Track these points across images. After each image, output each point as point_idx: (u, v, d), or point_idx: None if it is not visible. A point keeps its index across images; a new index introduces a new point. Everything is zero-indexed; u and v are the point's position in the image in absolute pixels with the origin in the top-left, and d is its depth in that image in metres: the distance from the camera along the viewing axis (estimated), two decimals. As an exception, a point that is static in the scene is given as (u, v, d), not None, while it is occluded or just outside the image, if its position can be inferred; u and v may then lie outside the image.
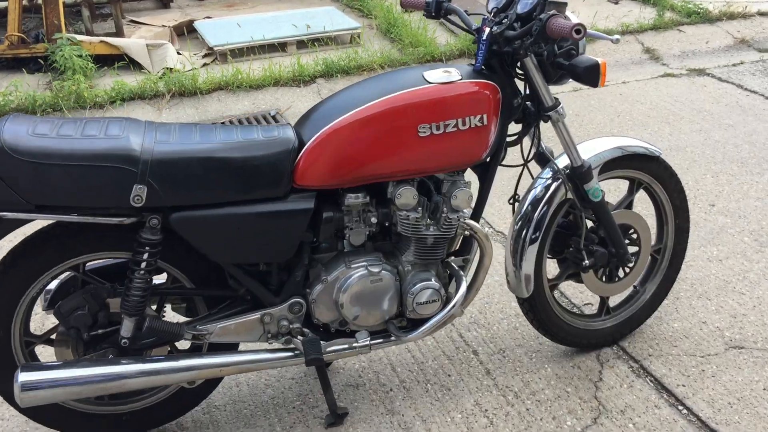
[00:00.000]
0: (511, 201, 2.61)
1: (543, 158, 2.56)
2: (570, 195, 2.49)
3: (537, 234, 2.50)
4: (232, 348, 2.35)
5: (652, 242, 2.79)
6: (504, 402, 2.53)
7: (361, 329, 2.35)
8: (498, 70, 2.30)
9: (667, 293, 2.89)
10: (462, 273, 2.38)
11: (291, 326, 2.29)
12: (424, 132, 2.17)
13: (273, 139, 2.16)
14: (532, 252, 2.49)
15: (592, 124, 4.85)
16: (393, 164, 2.19)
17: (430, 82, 2.20)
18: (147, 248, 2.09)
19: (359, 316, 2.31)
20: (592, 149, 2.55)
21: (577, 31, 2.00)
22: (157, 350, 2.29)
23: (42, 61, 5.66)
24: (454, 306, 2.32)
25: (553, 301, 2.66)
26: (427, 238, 2.30)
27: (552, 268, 2.71)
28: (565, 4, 2.15)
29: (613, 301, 2.88)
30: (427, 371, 2.68)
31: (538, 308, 2.63)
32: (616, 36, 2.20)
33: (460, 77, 2.23)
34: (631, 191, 2.72)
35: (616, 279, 2.73)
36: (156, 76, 5.46)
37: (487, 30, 2.26)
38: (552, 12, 2.11)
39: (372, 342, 2.34)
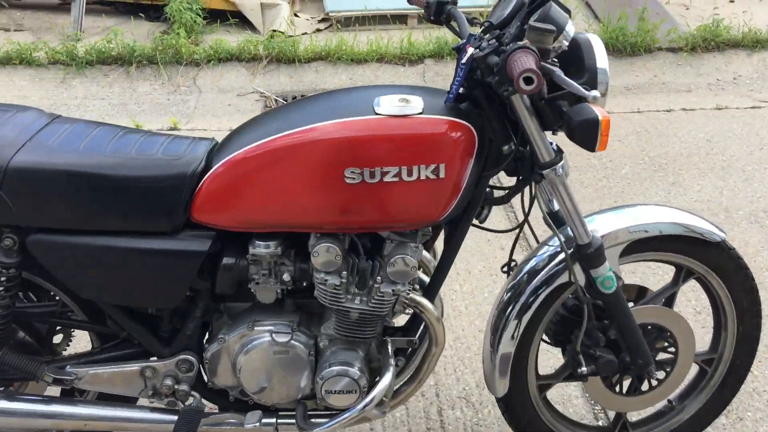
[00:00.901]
0: (505, 269, 2.02)
1: (557, 219, 1.94)
2: (573, 278, 1.86)
3: (525, 314, 1.90)
4: (118, 398, 1.97)
5: (698, 350, 2.07)
6: None
7: (267, 404, 1.90)
8: (484, 105, 1.70)
9: (716, 417, 2.17)
10: (392, 361, 1.84)
11: (176, 387, 1.87)
12: (353, 179, 1.64)
13: (173, 158, 1.73)
14: (513, 332, 1.91)
15: (723, 155, 3.95)
16: (310, 214, 1.69)
17: (377, 113, 1.66)
18: (1, 270, 1.75)
19: (262, 391, 1.85)
20: (616, 221, 1.89)
21: (526, 80, 1.38)
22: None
23: (163, 10, 5.55)
24: (367, 405, 1.79)
25: (542, 403, 2.05)
26: (350, 311, 1.78)
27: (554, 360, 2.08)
28: (553, 31, 1.50)
29: (635, 414, 2.21)
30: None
31: (518, 410, 2.03)
32: (594, 93, 1.52)
33: (421, 111, 1.67)
34: (677, 281, 2.02)
35: (637, 392, 2.06)
36: (256, 38, 5.17)
37: (470, 51, 1.66)
38: (520, 44, 1.49)
39: (263, 425, 1.87)
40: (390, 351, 1.85)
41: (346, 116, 1.67)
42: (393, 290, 1.75)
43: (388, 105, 1.68)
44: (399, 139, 1.64)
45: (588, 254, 1.80)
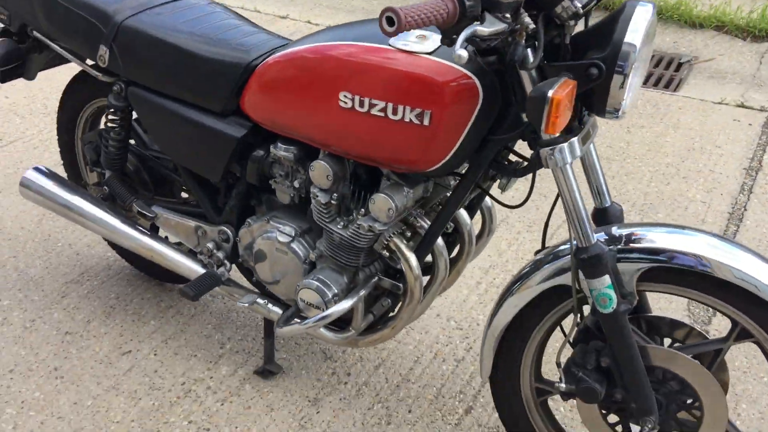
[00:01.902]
0: (537, 253, 1.82)
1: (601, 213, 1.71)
2: (573, 282, 1.62)
3: (520, 303, 1.72)
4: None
5: (730, 417, 1.64)
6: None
7: (275, 294, 2.03)
8: (504, 63, 1.54)
9: None
10: (363, 292, 1.80)
11: (215, 252, 2.10)
12: (345, 103, 1.64)
13: (241, 49, 1.89)
14: (508, 310, 1.75)
15: None
16: (314, 129, 1.73)
17: (389, 43, 1.62)
18: (111, 110, 2.13)
19: (265, 279, 1.99)
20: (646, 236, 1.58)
21: (388, 21, 1.21)
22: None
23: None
24: (321, 319, 1.81)
25: (534, 406, 1.84)
26: (333, 234, 1.80)
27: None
28: None
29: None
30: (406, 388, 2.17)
31: (503, 400, 1.86)
32: (461, 53, 1.23)
33: (431, 51, 1.57)
34: (728, 337, 1.62)
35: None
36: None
37: None
38: None
39: (253, 305, 2.01)
40: (366, 284, 1.84)
41: (363, 41, 1.65)
42: (369, 226, 1.72)
43: (405, 38, 1.61)
44: (390, 74, 1.57)
45: (582, 260, 1.55)
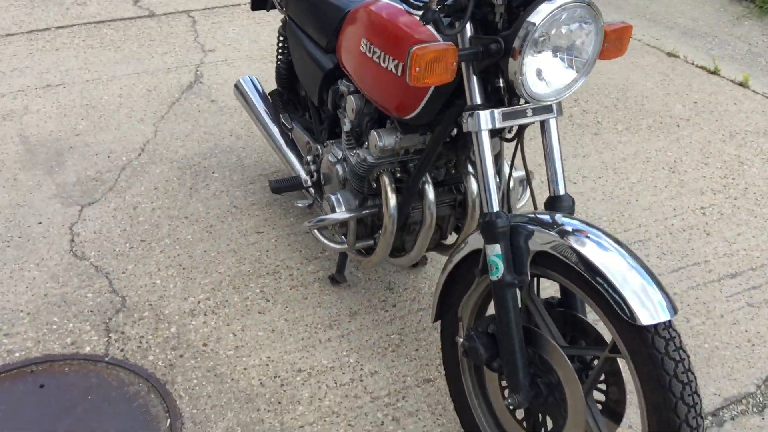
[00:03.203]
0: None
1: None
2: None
3: (460, 254, 1.91)
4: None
5: None
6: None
7: None
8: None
9: None
10: (356, 211, 2.25)
11: (311, 163, 2.63)
12: (363, 49, 2.08)
13: (354, 1, 2.38)
14: (448, 266, 1.95)
15: None
16: (350, 69, 2.20)
17: (410, 8, 1.95)
18: (280, 37, 2.82)
19: (324, 191, 2.50)
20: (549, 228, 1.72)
21: None
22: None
23: None
24: (319, 221, 2.29)
25: (468, 368, 2.07)
26: (348, 160, 2.24)
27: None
28: None
29: None
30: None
31: (446, 353, 2.12)
32: None
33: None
34: (607, 347, 1.70)
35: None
36: None
37: None
38: None
39: (307, 206, 2.56)
40: (363, 209, 2.25)
41: (402, 4, 1.99)
42: (364, 157, 2.13)
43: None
44: (390, 29, 1.97)
45: (481, 224, 1.77)
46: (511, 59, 1.65)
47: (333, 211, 2.27)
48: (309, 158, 2.64)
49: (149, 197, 3.14)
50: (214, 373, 2.35)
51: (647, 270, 1.62)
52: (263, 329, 2.51)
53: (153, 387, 2.31)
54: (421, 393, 2.31)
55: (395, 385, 2.33)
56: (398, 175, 2.20)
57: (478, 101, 1.75)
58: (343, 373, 2.36)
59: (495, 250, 1.73)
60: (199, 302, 2.62)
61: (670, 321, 1.58)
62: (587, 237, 1.67)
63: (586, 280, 1.61)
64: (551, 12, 1.62)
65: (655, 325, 1.56)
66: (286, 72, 2.85)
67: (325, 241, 2.34)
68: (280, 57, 2.85)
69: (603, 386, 1.79)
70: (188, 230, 2.96)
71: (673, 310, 1.57)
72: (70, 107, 3.78)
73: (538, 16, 1.62)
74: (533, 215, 1.78)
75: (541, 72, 1.71)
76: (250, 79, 3.09)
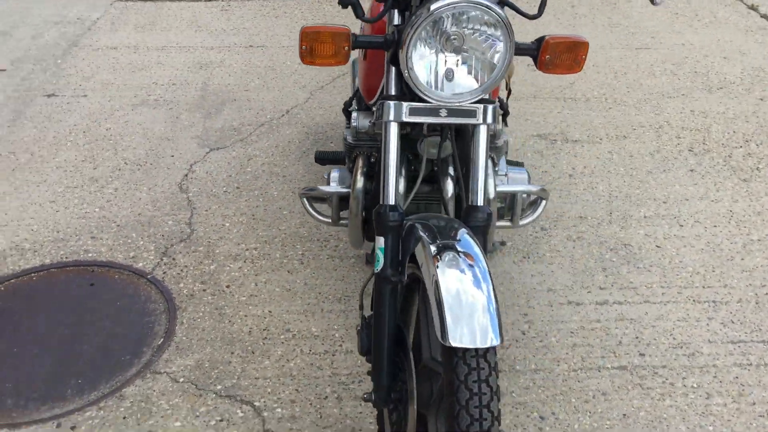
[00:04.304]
0: None
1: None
2: None
3: None
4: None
5: None
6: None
7: None
8: None
9: None
10: (336, 190, 2.30)
11: None
12: None
13: None
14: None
15: None
16: None
17: None
18: None
19: None
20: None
21: None
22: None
23: None
24: (305, 191, 2.37)
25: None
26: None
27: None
28: None
29: None
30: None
31: None
32: None
33: None
34: None
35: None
36: None
37: None
38: None
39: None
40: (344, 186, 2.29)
41: None
42: (346, 137, 2.21)
43: None
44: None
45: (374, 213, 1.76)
46: (400, 51, 1.62)
47: (327, 184, 2.35)
48: None
49: (265, 153, 3.45)
50: (219, 312, 2.58)
51: (491, 302, 1.51)
52: (281, 286, 2.68)
53: (167, 310, 2.61)
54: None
55: (359, 369, 2.36)
56: (373, 159, 2.21)
57: (393, 91, 1.73)
58: (322, 344, 2.45)
59: (380, 243, 1.72)
60: (246, 250, 2.86)
61: (486, 352, 1.46)
62: (456, 254, 1.59)
63: (426, 290, 1.55)
64: (438, 8, 1.56)
65: (465, 350, 1.46)
66: None
67: (311, 212, 2.41)
68: None
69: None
70: (278, 188, 3.21)
71: (499, 339, 1.45)
72: (256, 66, 4.24)
73: (425, 11, 1.57)
74: (434, 219, 1.73)
75: (452, 73, 1.65)
76: None
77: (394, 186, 1.73)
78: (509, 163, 2.52)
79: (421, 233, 1.65)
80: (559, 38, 1.69)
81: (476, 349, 1.47)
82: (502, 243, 2.83)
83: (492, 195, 2.11)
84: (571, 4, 5.11)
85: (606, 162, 3.39)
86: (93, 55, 4.39)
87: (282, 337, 2.48)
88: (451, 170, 2.09)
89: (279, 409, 2.22)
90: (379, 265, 1.71)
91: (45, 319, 2.56)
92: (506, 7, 1.69)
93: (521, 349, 2.41)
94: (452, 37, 1.62)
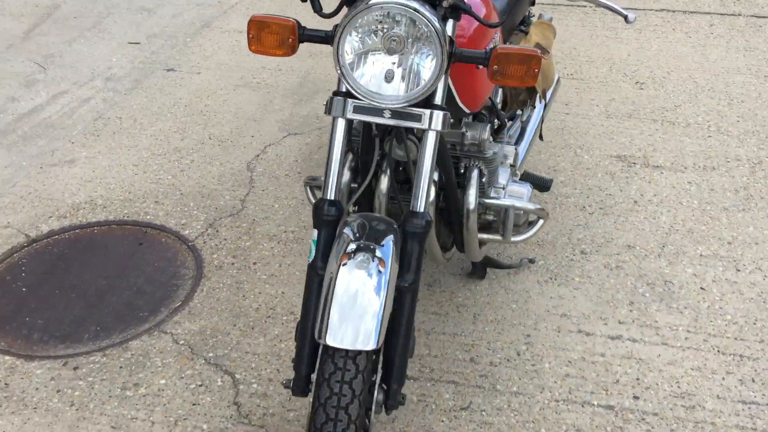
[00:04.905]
0: None
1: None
2: None
3: None
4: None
5: None
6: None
7: None
8: None
9: None
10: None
11: None
12: None
13: None
14: None
15: None
16: None
17: None
18: None
19: None
20: None
21: None
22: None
23: None
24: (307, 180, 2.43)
25: None
26: None
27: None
28: None
29: None
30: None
31: None
32: None
33: None
34: None
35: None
36: None
37: None
38: None
39: None
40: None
41: None
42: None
43: None
44: None
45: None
46: (332, 46, 1.64)
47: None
48: None
49: (337, 143, 3.54)
50: (237, 286, 2.71)
51: (381, 309, 1.52)
52: (302, 270, 2.76)
53: (194, 277, 2.78)
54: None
55: (343, 360, 2.40)
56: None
57: (342, 87, 1.76)
58: (318, 331, 2.51)
59: (313, 235, 1.76)
60: (284, 232, 2.98)
61: (357, 356, 1.46)
62: (370, 257, 1.61)
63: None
64: (368, 7, 1.56)
65: (335, 350, 1.47)
66: None
67: (312, 199, 2.45)
68: None
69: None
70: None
71: (375, 345, 1.45)
72: (361, 59, 4.35)
73: (358, 7, 1.58)
74: (375, 220, 1.74)
75: (393, 74, 1.65)
76: None
77: (335, 181, 1.76)
78: (525, 177, 2.46)
79: (347, 230, 1.67)
80: (509, 49, 1.64)
81: (347, 351, 1.47)
82: (531, 261, 2.75)
83: (471, 206, 2.08)
84: (711, 23, 4.77)
85: (680, 192, 3.17)
86: (219, 36, 4.70)
87: (284, 318, 2.56)
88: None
89: (255, 385, 2.31)
90: (311, 256, 1.75)
91: (90, 268, 2.82)
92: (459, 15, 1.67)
93: (509, 370, 2.34)
94: (393, 38, 1.62)
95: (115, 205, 3.15)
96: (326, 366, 1.48)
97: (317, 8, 1.75)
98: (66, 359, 2.43)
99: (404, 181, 2.20)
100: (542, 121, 2.72)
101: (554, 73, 2.62)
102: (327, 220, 1.75)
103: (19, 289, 2.73)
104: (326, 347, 1.50)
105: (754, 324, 2.50)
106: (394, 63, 1.65)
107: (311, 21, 1.81)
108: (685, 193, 3.17)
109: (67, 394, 2.30)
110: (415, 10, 1.57)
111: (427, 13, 1.57)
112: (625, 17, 1.78)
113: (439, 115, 1.70)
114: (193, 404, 2.26)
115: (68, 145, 3.56)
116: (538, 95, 2.54)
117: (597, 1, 1.77)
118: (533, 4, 2.90)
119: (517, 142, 2.68)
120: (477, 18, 1.69)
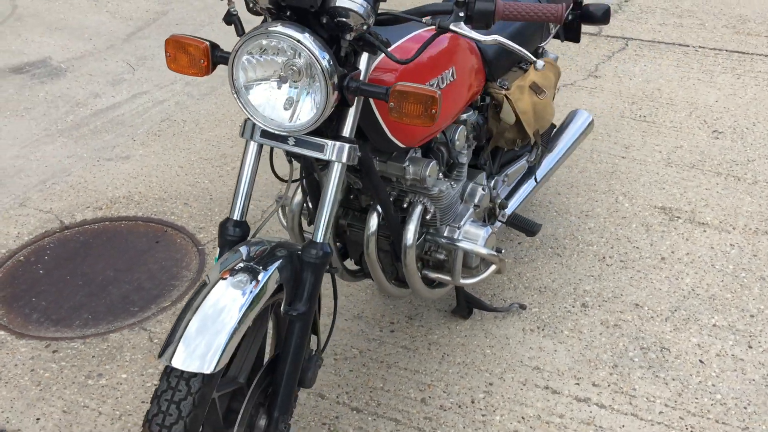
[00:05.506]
0: None
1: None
2: None
3: None
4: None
5: None
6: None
7: None
8: None
9: None
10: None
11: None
12: None
13: None
14: None
15: None
16: None
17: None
18: None
19: None
20: None
21: None
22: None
23: None
24: None
25: None
26: None
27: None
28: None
29: None
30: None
31: None
32: None
33: None
34: None
35: None
36: None
37: None
38: None
39: None
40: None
41: None
42: None
43: None
44: None
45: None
46: (228, 72, 1.65)
47: None
48: None
49: (374, 165, 3.53)
50: (227, 294, 2.76)
51: (231, 333, 1.51)
52: (292, 287, 2.78)
53: (193, 280, 2.87)
54: (312, 405, 2.31)
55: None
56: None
57: None
58: (284, 349, 2.51)
59: (217, 254, 1.78)
60: (290, 247, 3.00)
61: (191, 378, 1.46)
62: (249, 278, 1.60)
63: None
64: (257, 34, 1.55)
65: (172, 369, 1.47)
66: None
67: (282, 221, 2.44)
68: None
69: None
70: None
71: (213, 369, 1.45)
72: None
73: (245, 36, 1.58)
74: (277, 245, 1.74)
75: (292, 102, 1.63)
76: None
77: (242, 203, 1.77)
78: (513, 219, 2.39)
79: (243, 249, 1.68)
80: (407, 87, 1.58)
81: (182, 371, 1.47)
82: (522, 306, 2.61)
83: (408, 242, 2.01)
84: (822, 74, 4.33)
85: (717, 255, 2.90)
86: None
87: (258, 331, 2.59)
88: (376, 202, 2.02)
89: (205, 392, 2.35)
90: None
91: (105, 259, 2.98)
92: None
93: (457, 417, 2.23)
94: (291, 66, 1.61)
95: (148, 202, 3.31)
96: (162, 383, 1.49)
97: (239, 32, 1.78)
98: (50, 342, 2.58)
99: (360, 210, 2.17)
100: (538, 163, 2.59)
101: (552, 114, 2.48)
102: (230, 240, 1.77)
103: (37, 271, 2.93)
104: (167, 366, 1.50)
105: (744, 408, 2.24)
106: (296, 90, 1.64)
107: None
108: (722, 255, 2.89)
109: (38, 374, 2.44)
110: (298, 41, 1.56)
111: (310, 45, 1.55)
112: (534, 63, 1.67)
113: (344, 147, 1.68)
114: (142, 402, 2.33)
115: (129, 142, 3.78)
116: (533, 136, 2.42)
117: (506, 44, 1.66)
118: (555, 38, 2.76)
119: (518, 185, 2.58)
120: (388, 54, 1.65)
